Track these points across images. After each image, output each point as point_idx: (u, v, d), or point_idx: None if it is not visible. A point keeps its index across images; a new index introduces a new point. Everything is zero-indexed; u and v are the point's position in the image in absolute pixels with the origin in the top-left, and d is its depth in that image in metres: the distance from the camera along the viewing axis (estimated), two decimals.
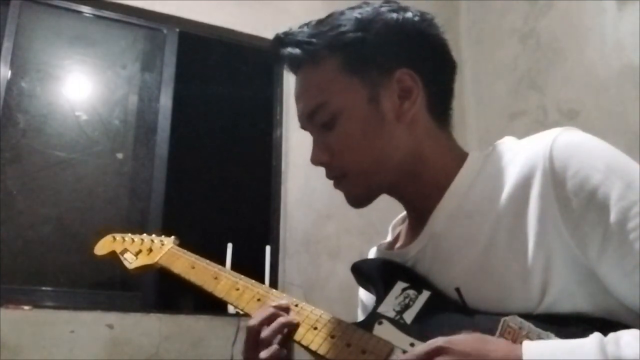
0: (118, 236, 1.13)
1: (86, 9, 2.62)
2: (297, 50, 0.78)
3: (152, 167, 2.56)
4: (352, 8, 0.80)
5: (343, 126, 0.76)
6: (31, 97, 2.48)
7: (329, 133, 0.77)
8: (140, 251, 1.06)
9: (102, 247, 1.13)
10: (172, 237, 1.08)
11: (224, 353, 2.30)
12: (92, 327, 2.15)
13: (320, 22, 0.80)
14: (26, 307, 2.09)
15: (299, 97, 0.81)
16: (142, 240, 1.08)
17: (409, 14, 0.79)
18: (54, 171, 2.45)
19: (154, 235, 1.10)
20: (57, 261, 2.40)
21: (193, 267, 0.94)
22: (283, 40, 0.80)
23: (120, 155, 2.61)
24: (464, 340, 0.59)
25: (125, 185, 2.60)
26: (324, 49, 0.77)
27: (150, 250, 1.05)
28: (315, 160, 0.80)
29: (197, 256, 0.97)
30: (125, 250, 1.08)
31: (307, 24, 0.81)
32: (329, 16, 0.80)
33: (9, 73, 2.39)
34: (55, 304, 2.23)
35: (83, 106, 2.59)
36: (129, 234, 1.12)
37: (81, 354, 2.09)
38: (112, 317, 2.20)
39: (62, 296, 2.28)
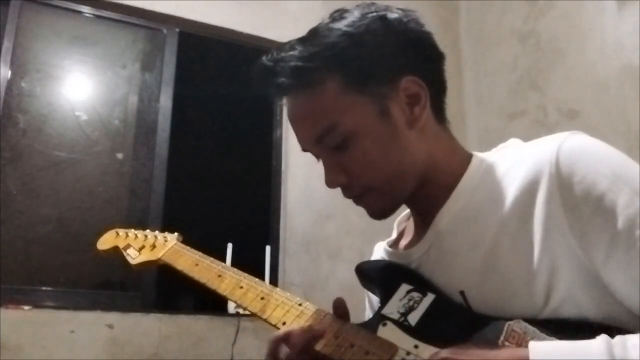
0: (121, 231, 1.13)
1: (86, 9, 2.62)
2: (292, 78, 0.73)
3: (152, 167, 2.56)
4: (336, 19, 0.76)
5: (359, 146, 0.73)
6: (31, 97, 2.48)
7: (342, 154, 0.74)
8: (143, 247, 1.05)
9: (105, 242, 1.12)
10: (176, 233, 1.07)
11: (224, 353, 2.30)
12: (92, 327, 2.15)
13: (307, 41, 0.75)
14: (26, 307, 2.09)
15: (300, 122, 0.77)
16: (146, 236, 1.08)
17: (395, 15, 0.77)
18: (54, 171, 2.45)
19: (157, 232, 1.09)
20: (57, 261, 2.40)
21: (197, 265, 0.93)
22: (273, 69, 0.74)
23: (120, 155, 2.61)
24: (468, 350, 0.59)
25: (125, 185, 2.60)
26: (321, 71, 0.72)
27: (154, 246, 1.04)
28: (333, 183, 0.76)
29: (200, 253, 0.96)
30: (128, 246, 1.08)
31: (289, 45, 0.75)
32: (315, 33, 0.75)
33: (9, 73, 2.39)
34: (55, 304, 2.22)
35: (83, 106, 2.59)
36: (132, 230, 1.12)
37: (81, 354, 2.10)
38: (112, 317, 2.20)
39: (62, 296, 2.28)
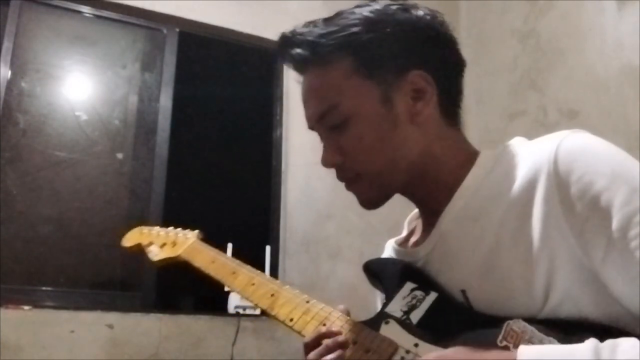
0: (145, 229, 1.17)
1: (86, 9, 2.62)
2: (306, 51, 0.76)
3: (152, 167, 2.56)
4: (361, 6, 0.78)
5: (356, 129, 0.75)
6: (31, 97, 2.48)
7: (340, 135, 0.76)
8: (165, 244, 1.10)
9: (130, 239, 1.17)
10: (197, 231, 1.11)
11: (224, 353, 2.30)
12: (92, 327, 2.16)
13: (329, 21, 0.78)
14: (26, 307, 2.09)
15: (308, 99, 0.79)
16: (168, 233, 1.12)
17: (420, 13, 0.78)
18: (54, 171, 2.45)
19: (180, 229, 1.13)
20: (57, 261, 2.40)
21: (213, 262, 0.97)
22: (291, 39, 0.78)
23: (120, 155, 2.61)
24: (455, 353, 0.60)
25: (125, 185, 2.60)
26: (335, 50, 0.75)
27: (175, 243, 1.08)
28: (327, 162, 0.78)
29: (218, 251, 1.00)
30: (150, 243, 1.12)
31: (313, 23, 0.78)
32: (338, 15, 0.78)
33: (9, 73, 2.39)
34: (55, 304, 2.23)
35: (83, 106, 2.59)
36: (157, 227, 1.16)
37: (81, 354, 2.10)
38: (112, 317, 2.20)
39: (62, 296, 2.28)
